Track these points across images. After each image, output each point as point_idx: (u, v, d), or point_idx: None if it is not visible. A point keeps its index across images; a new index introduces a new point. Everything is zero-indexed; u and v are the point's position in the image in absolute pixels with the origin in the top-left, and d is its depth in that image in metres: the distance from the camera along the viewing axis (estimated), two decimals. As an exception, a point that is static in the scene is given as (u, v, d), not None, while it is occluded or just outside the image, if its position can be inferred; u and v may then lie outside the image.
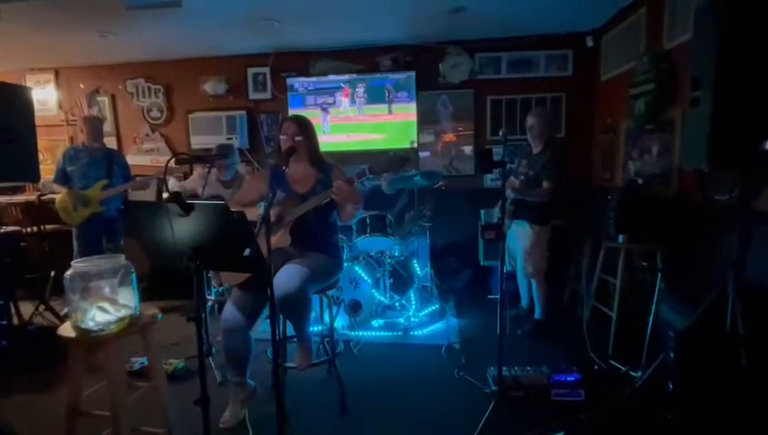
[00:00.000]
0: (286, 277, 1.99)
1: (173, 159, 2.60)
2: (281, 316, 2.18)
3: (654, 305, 2.42)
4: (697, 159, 1.80)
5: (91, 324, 1.50)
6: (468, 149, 4.51)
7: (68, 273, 1.51)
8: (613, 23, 3.78)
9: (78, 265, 1.52)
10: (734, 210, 2.03)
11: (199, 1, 2.99)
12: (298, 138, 2.15)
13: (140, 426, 1.86)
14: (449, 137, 4.53)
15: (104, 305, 1.49)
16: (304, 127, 2.21)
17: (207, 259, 1.50)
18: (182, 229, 1.45)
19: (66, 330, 1.55)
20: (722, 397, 1.69)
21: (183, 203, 1.39)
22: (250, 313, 2.13)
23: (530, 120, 3.11)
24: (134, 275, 1.61)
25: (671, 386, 1.87)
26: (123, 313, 1.55)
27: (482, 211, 3.33)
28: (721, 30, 1.68)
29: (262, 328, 3.27)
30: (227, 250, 1.47)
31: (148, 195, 4.33)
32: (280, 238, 2.12)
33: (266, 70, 4.61)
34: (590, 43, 4.09)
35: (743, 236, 1.82)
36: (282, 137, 2.18)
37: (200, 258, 1.50)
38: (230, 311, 2.11)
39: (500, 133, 2.31)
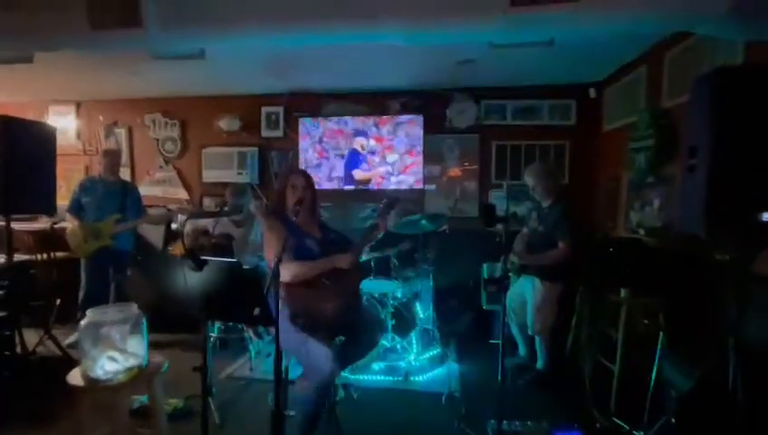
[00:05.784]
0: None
1: (187, 220, 2.68)
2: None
3: (656, 363, 2.41)
4: (695, 225, 1.85)
5: (99, 373, 1.53)
6: (473, 190, 4.58)
7: (83, 321, 1.56)
8: (616, 76, 3.91)
9: (92, 314, 1.57)
10: (732, 272, 2.06)
11: (219, 50, 3.15)
12: (307, 190, 2.24)
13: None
14: (455, 172, 4.63)
15: (114, 355, 1.53)
16: (311, 180, 2.32)
17: (217, 311, 1.55)
18: (194, 281, 1.51)
19: (75, 378, 1.58)
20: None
21: (197, 259, 1.46)
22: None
23: (530, 181, 3.12)
24: (145, 325, 1.65)
25: (672, 451, 1.86)
26: (131, 362, 1.58)
27: (484, 265, 3.35)
28: (717, 102, 1.76)
29: (264, 367, 3.31)
30: (237, 306, 1.51)
31: (158, 230, 4.40)
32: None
33: (280, 109, 4.78)
34: (593, 94, 4.22)
35: (740, 302, 1.84)
36: (290, 189, 2.23)
37: (210, 310, 1.55)
38: (332, 360, 2.00)
39: (503, 187, 2.37)
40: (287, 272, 1.97)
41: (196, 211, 3.24)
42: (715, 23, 1.92)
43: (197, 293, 1.52)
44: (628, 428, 2.43)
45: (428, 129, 4.55)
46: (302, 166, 4.74)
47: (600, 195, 4.21)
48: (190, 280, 1.51)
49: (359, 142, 4.64)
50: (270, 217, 2.15)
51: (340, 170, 4.72)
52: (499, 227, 2.17)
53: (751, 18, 1.90)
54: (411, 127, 4.55)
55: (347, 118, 4.65)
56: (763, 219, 1.64)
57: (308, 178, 2.31)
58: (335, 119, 4.67)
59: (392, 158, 4.61)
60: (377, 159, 4.63)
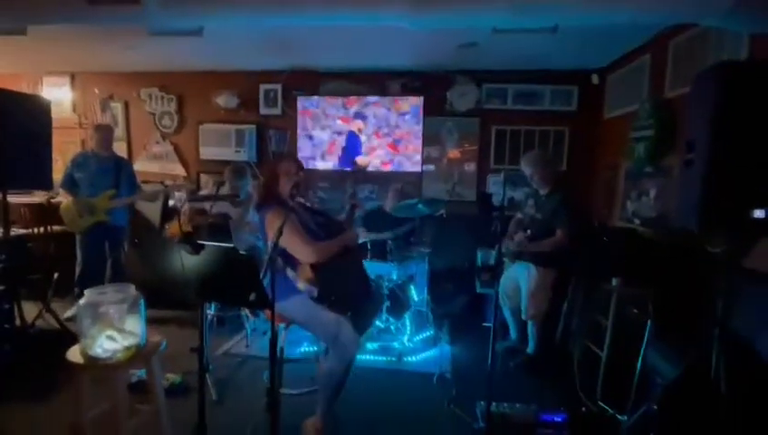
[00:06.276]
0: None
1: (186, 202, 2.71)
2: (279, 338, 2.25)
3: (642, 351, 2.48)
4: (688, 219, 1.87)
5: (99, 352, 1.57)
6: (471, 174, 4.58)
7: (81, 301, 1.58)
8: (619, 63, 3.87)
9: (90, 294, 1.59)
10: (723, 265, 2.10)
11: (218, 28, 3.09)
12: (301, 175, 2.25)
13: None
14: (454, 154, 4.61)
15: (113, 334, 1.57)
16: (302, 165, 2.36)
17: (214, 294, 1.58)
18: (191, 265, 1.53)
19: (74, 355, 1.62)
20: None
21: (194, 243, 1.47)
22: None
23: (527, 170, 3.12)
24: (143, 305, 1.68)
25: (653, 437, 1.93)
26: (130, 341, 1.62)
27: (479, 252, 3.38)
28: (718, 98, 1.75)
29: (260, 344, 3.37)
30: (233, 289, 1.54)
31: (155, 205, 4.40)
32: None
33: (278, 87, 4.71)
34: (595, 80, 4.18)
35: (728, 295, 1.88)
36: (284, 176, 2.23)
37: (207, 293, 1.58)
38: (356, 335, 2.26)
39: (501, 177, 2.38)
40: (314, 254, 2.13)
41: (196, 196, 3.22)
42: (719, 15, 1.90)
43: (194, 276, 1.54)
44: (612, 412, 2.51)
45: (428, 111, 4.51)
46: (299, 145, 4.71)
47: (598, 183, 4.22)
48: (187, 263, 1.53)
49: (357, 125, 4.61)
50: (280, 209, 2.15)
51: (338, 151, 4.69)
52: (495, 214, 2.19)
53: (756, 11, 1.87)
54: (411, 108, 4.50)
55: (346, 97, 4.59)
56: (755, 216, 1.65)
57: (300, 163, 2.35)
58: (334, 98, 4.61)
59: (389, 140, 4.58)
60: (375, 141, 4.60)
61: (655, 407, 1.97)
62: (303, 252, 2.15)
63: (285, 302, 2.17)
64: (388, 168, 4.60)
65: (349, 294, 2.36)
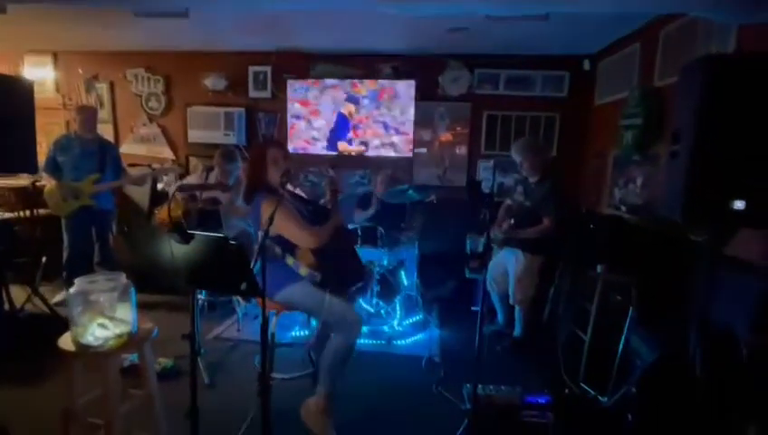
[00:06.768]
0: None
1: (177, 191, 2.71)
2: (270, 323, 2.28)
3: (624, 336, 2.55)
4: (673, 209, 1.92)
5: (90, 339, 1.58)
6: (462, 159, 4.58)
7: (72, 289, 1.59)
8: (610, 50, 3.87)
9: (81, 283, 1.59)
10: (705, 253, 2.15)
11: (204, 9, 3.01)
12: (288, 162, 2.25)
13: (132, 430, 1.95)
14: (446, 137, 4.60)
15: (104, 322, 1.57)
16: (287, 151, 2.38)
17: (204, 283, 1.59)
18: (181, 253, 1.53)
19: (66, 342, 1.62)
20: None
21: (183, 233, 1.47)
22: None
23: (517, 158, 3.14)
24: (134, 293, 1.69)
25: (630, 418, 2.01)
26: (122, 329, 1.63)
27: (468, 239, 3.42)
28: (704, 90, 1.77)
29: (251, 328, 3.41)
30: (224, 278, 1.55)
31: (143, 190, 4.35)
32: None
33: (268, 69, 4.64)
34: (586, 66, 4.19)
35: (708, 282, 1.94)
36: (272, 163, 2.22)
37: (197, 282, 1.59)
38: (358, 314, 2.40)
39: (491, 164, 2.40)
40: (315, 239, 2.17)
41: (185, 185, 3.18)
42: (707, 6, 1.91)
43: (184, 264, 1.55)
44: (594, 393, 2.60)
45: (420, 95, 4.48)
46: (289, 129, 4.67)
47: (588, 169, 4.27)
48: (177, 252, 1.53)
49: (348, 108, 4.57)
50: (272, 197, 2.14)
51: (326, 135, 4.66)
52: (485, 202, 2.21)
53: (742, 2, 1.89)
54: (402, 93, 4.47)
55: (336, 81, 4.54)
56: (735, 208, 1.70)
57: (286, 149, 2.37)
58: (325, 81, 4.56)
59: (380, 125, 4.56)
60: (365, 125, 4.57)
61: (633, 389, 2.04)
62: (304, 237, 2.17)
63: (289, 289, 2.20)
64: (379, 153, 4.58)
65: (347, 275, 2.43)
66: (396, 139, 4.56)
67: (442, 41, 3.95)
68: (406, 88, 4.46)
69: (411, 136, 4.53)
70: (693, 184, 1.78)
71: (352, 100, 4.56)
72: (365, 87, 4.51)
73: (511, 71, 4.37)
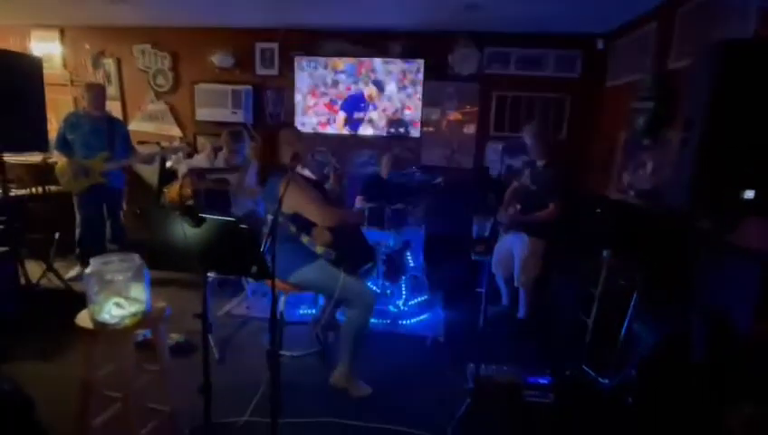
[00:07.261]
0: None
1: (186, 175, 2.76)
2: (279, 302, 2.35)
3: (627, 320, 2.58)
4: (681, 197, 1.91)
5: (106, 317, 1.63)
6: (470, 140, 4.55)
7: (88, 270, 1.63)
8: (625, 30, 3.77)
9: (96, 263, 1.64)
10: (710, 240, 2.16)
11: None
12: (300, 144, 2.26)
13: (146, 403, 2.04)
14: (454, 116, 4.56)
15: (119, 301, 1.63)
16: (300, 133, 2.42)
17: (216, 265, 1.63)
18: (193, 236, 1.56)
19: (83, 320, 1.68)
20: (674, 418, 1.87)
21: (195, 216, 1.50)
22: None
23: (528, 141, 3.15)
24: (147, 274, 1.73)
25: (630, 400, 2.06)
26: (136, 308, 1.68)
27: (474, 224, 3.42)
28: (718, 77, 1.74)
29: (260, 305, 3.48)
30: (235, 261, 1.59)
31: (152, 168, 4.37)
32: None
33: (275, 46, 4.58)
34: (600, 45, 4.09)
35: (711, 268, 1.96)
36: (285, 145, 2.26)
37: (208, 263, 1.63)
38: (372, 289, 2.59)
39: (500, 147, 2.40)
40: (332, 217, 2.26)
41: (195, 169, 3.19)
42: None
43: (196, 246, 1.58)
44: (594, 376, 2.65)
45: (429, 74, 4.42)
46: (297, 108, 4.64)
47: (597, 152, 4.22)
48: (189, 233, 1.56)
49: (370, 90, 4.52)
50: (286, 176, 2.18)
51: (337, 114, 4.63)
52: (492, 189, 2.22)
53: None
54: (411, 72, 4.41)
55: (347, 60, 4.48)
56: (745, 197, 1.69)
57: (298, 131, 2.41)
58: (331, 58, 4.50)
59: (387, 105, 4.52)
60: (372, 105, 4.54)
61: (634, 372, 2.08)
62: (321, 214, 2.22)
63: (303, 269, 2.25)
64: (386, 133, 4.56)
65: (359, 254, 2.55)
66: (403, 119, 4.52)
67: (452, 17, 3.86)
68: (414, 67, 4.39)
69: (419, 116, 4.49)
70: (702, 172, 1.77)
71: (377, 84, 4.50)
72: (373, 65, 4.44)
73: (522, 50, 4.29)
